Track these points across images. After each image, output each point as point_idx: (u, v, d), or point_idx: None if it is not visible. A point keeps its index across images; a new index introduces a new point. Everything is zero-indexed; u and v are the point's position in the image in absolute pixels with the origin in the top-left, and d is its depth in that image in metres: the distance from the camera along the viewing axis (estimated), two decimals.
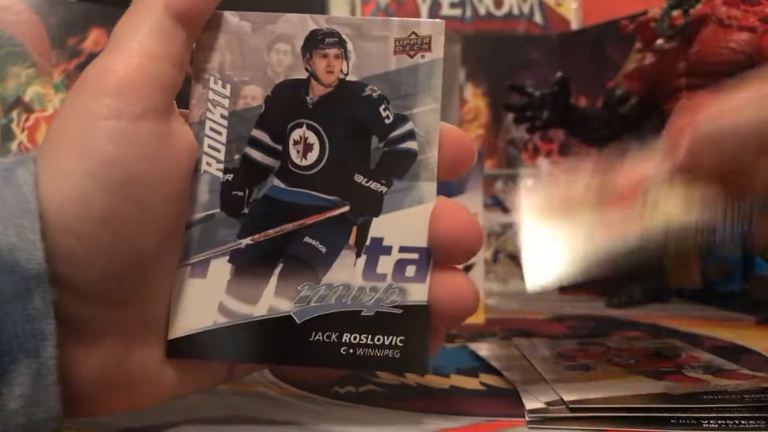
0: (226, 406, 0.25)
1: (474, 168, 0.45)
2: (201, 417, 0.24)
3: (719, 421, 0.23)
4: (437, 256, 0.23)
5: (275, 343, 0.23)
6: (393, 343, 0.23)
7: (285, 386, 0.28)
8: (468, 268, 0.44)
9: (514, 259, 0.64)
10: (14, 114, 0.52)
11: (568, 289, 0.62)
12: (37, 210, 0.19)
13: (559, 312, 0.49)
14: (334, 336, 0.23)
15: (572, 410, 0.24)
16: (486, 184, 0.64)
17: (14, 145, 0.52)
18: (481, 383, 0.29)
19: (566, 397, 0.24)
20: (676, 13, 0.50)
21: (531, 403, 0.25)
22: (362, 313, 0.23)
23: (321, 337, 0.23)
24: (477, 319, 0.44)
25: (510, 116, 0.63)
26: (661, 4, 0.51)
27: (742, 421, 0.22)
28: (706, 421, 0.23)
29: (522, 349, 0.33)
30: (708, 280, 0.58)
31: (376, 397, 0.26)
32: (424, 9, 0.77)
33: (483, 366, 0.31)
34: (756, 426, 0.22)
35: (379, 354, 0.23)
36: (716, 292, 0.58)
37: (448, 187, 0.44)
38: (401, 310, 0.23)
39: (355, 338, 0.23)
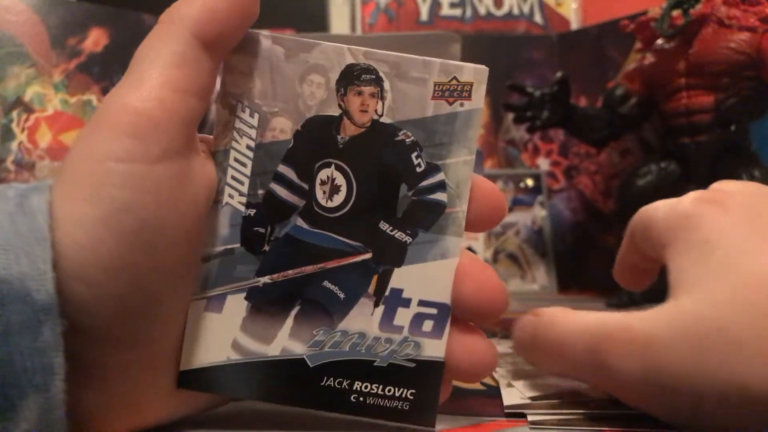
0: (226, 406, 0.25)
1: (474, 168, 0.45)
2: (201, 417, 0.24)
3: None
4: (459, 314, 0.22)
5: (286, 384, 0.23)
6: (403, 395, 0.22)
7: None
8: None
9: (514, 259, 0.64)
10: (14, 114, 0.52)
11: (568, 289, 0.63)
12: (50, 239, 0.18)
13: None
14: (345, 383, 0.22)
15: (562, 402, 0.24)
16: None
17: (14, 145, 0.52)
18: (482, 383, 0.28)
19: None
20: (676, 13, 0.51)
21: (510, 399, 0.25)
22: (375, 363, 0.22)
23: (332, 383, 0.22)
24: None
25: (510, 116, 0.63)
26: (661, 4, 0.51)
27: None
28: None
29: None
30: None
31: None
32: (424, 9, 0.77)
33: None
34: None
35: (388, 405, 0.22)
36: None
37: None
38: (415, 364, 0.22)
39: (366, 387, 0.22)
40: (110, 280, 0.19)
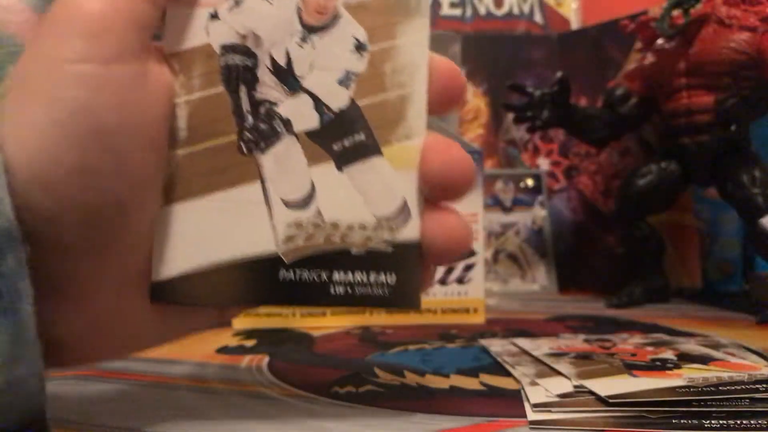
0: (226, 406, 0.25)
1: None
2: (201, 417, 0.24)
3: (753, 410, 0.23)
4: (429, 193, 0.22)
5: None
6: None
7: (285, 386, 0.28)
8: (468, 268, 0.45)
9: (514, 259, 0.64)
10: None
11: (568, 289, 0.62)
12: (2, 163, 0.18)
13: (559, 312, 0.49)
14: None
15: (605, 402, 0.24)
16: (486, 184, 0.64)
17: None
18: (482, 383, 0.28)
19: (596, 390, 0.24)
20: (676, 12, 0.51)
21: (536, 397, 0.25)
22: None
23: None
24: (477, 319, 0.45)
25: (510, 116, 0.63)
26: (661, 3, 0.51)
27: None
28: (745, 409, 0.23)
29: (523, 347, 0.34)
30: (708, 280, 0.58)
31: (376, 397, 0.26)
32: None
33: (483, 366, 0.31)
34: None
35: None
36: (716, 292, 0.58)
37: None
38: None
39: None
40: (72, 187, 0.19)
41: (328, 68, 0.23)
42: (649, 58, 0.53)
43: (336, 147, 0.23)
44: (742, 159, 0.49)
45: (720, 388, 0.25)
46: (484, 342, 0.36)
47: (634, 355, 0.31)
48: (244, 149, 0.22)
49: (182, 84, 0.22)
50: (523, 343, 0.34)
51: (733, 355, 0.31)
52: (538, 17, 0.78)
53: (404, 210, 0.22)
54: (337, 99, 0.23)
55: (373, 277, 0.22)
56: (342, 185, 0.23)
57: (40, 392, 0.18)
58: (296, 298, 0.23)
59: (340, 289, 0.22)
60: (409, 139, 0.22)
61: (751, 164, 0.48)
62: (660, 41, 0.52)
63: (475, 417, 0.24)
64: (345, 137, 0.23)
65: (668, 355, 0.31)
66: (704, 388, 0.25)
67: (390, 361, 0.33)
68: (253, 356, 0.34)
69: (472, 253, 0.45)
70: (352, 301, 0.22)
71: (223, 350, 0.36)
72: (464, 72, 0.69)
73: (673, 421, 0.22)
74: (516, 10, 0.77)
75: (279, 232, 0.22)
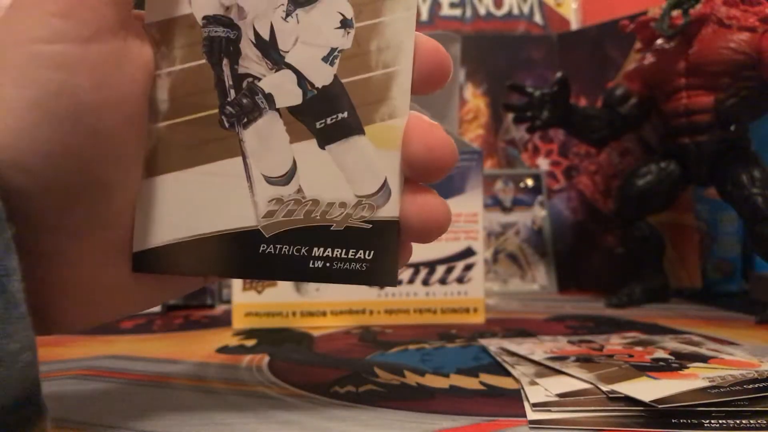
0: (226, 406, 0.25)
1: (474, 168, 0.45)
2: (202, 416, 0.24)
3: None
4: (410, 173, 0.23)
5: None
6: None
7: (285, 386, 0.28)
8: (468, 268, 0.45)
9: (514, 259, 0.64)
10: None
11: (567, 289, 0.63)
12: None
13: (558, 312, 0.49)
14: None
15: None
16: (486, 184, 0.64)
17: None
18: (481, 383, 0.28)
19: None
20: (675, 13, 0.51)
21: (536, 397, 0.25)
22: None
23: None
24: (477, 319, 0.45)
25: (510, 116, 0.63)
26: (660, 4, 0.52)
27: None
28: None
29: (518, 352, 0.34)
30: (708, 280, 0.58)
31: (376, 397, 0.26)
32: (425, 9, 0.77)
33: (483, 366, 0.31)
34: None
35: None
36: (716, 292, 0.58)
37: (448, 187, 0.44)
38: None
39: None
40: (52, 168, 0.19)
41: (312, 44, 0.23)
42: (649, 59, 0.53)
43: (318, 124, 0.23)
44: (742, 159, 0.49)
45: (745, 386, 0.25)
46: (483, 342, 0.36)
47: (631, 356, 0.31)
48: (226, 123, 0.22)
49: (163, 55, 0.22)
50: (516, 347, 0.34)
51: (719, 351, 0.31)
52: (537, 17, 0.78)
53: (385, 189, 0.23)
54: (321, 75, 0.22)
55: (351, 253, 0.23)
56: (324, 163, 0.23)
57: (32, 366, 0.18)
58: (276, 271, 0.23)
59: (319, 264, 0.23)
60: (392, 118, 0.23)
61: (750, 164, 0.48)
62: (659, 41, 0.52)
63: (475, 416, 0.24)
64: (328, 115, 0.23)
65: (662, 354, 0.31)
66: (732, 388, 0.25)
67: (390, 360, 0.33)
68: (254, 356, 0.34)
69: (471, 253, 0.45)
70: (331, 275, 0.23)
71: (224, 350, 0.36)
72: (464, 73, 0.69)
73: (673, 420, 0.22)
74: (516, 11, 0.78)
75: (260, 207, 0.23)
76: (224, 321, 0.46)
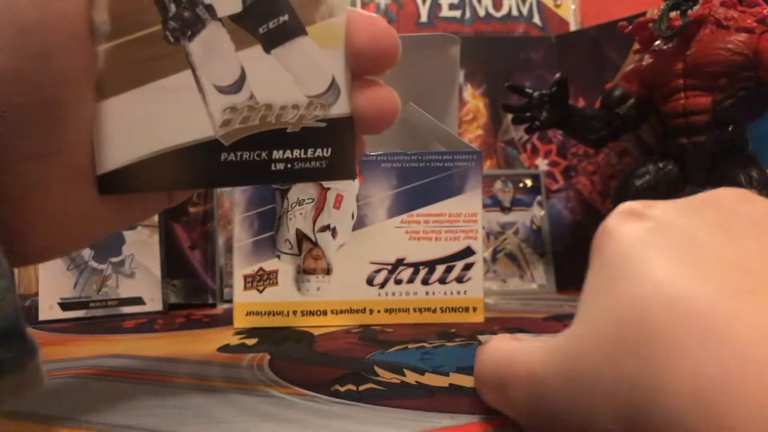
0: (226, 405, 0.25)
1: (473, 168, 0.45)
2: (203, 415, 0.24)
3: None
4: (356, 67, 0.23)
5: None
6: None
7: (286, 385, 0.28)
8: (468, 268, 0.45)
9: (513, 258, 0.64)
10: None
11: (566, 289, 0.63)
12: None
13: (557, 311, 0.49)
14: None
15: None
16: (485, 184, 0.64)
17: None
18: None
19: None
20: (674, 14, 0.51)
21: None
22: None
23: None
24: (477, 318, 0.45)
25: (509, 117, 0.63)
26: (659, 5, 0.52)
27: None
28: None
29: None
30: None
31: (376, 395, 0.27)
32: (424, 11, 0.77)
33: None
34: None
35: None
36: None
37: (448, 187, 0.45)
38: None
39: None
40: (2, 90, 0.19)
41: None
42: (647, 60, 0.53)
43: (261, 30, 0.23)
44: (739, 159, 0.49)
45: None
46: (483, 340, 0.36)
47: None
48: (171, 38, 0.22)
49: None
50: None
51: None
52: (536, 19, 0.78)
53: (334, 87, 0.23)
54: None
55: (310, 152, 0.24)
56: (271, 67, 0.23)
57: (10, 291, 0.18)
58: (240, 177, 0.24)
59: (280, 166, 0.23)
60: (332, 16, 0.23)
61: (748, 165, 0.48)
62: (657, 42, 0.52)
63: (475, 415, 0.24)
64: (269, 19, 0.23)
65: None
66: None
67: (390, 359, 0.33)
68: (254, 355, 0.34)
69: (470, 252, 0.45)
70: (293, 175, 0.24)
71: (225, 349, 0.36)
72: (464, 74, 0.70)
73: None
74: (515, 12, 0.78)
75: (215, 117, 0.23)
76: (225, 320, 0.46)
